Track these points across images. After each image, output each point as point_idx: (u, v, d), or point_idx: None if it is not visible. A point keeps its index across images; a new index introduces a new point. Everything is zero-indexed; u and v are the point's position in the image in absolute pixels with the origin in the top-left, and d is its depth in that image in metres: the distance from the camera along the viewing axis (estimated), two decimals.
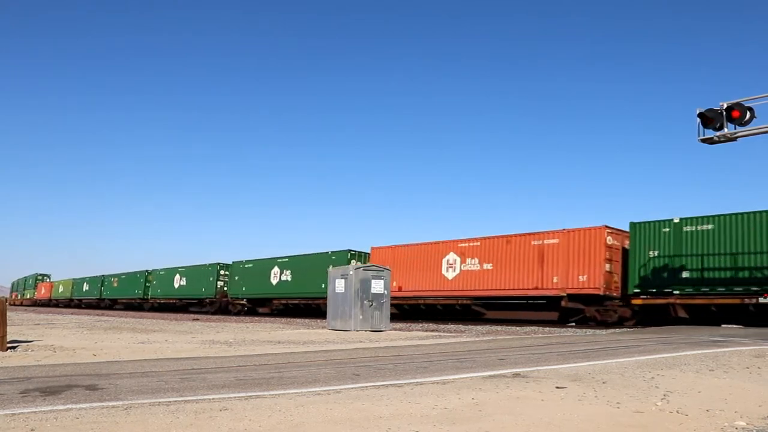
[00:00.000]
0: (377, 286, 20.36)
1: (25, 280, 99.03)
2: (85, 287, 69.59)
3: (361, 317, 19.74)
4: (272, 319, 33.23)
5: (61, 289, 77.62)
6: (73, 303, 72.15)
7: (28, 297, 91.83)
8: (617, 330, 19.83)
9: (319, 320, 28.83)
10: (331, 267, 24.86)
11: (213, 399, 5.63)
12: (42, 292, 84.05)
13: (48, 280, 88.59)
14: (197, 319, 31.50)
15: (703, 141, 15.66)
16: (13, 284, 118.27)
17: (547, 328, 21.80)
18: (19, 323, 23.21)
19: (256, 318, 34.91)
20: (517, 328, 22.41)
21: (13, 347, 11.71)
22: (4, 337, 11.33)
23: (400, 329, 21.24)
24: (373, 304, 20.08)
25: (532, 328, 22.12)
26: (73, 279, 74.11)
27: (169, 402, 5.44)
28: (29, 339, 14.19)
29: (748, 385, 6.77)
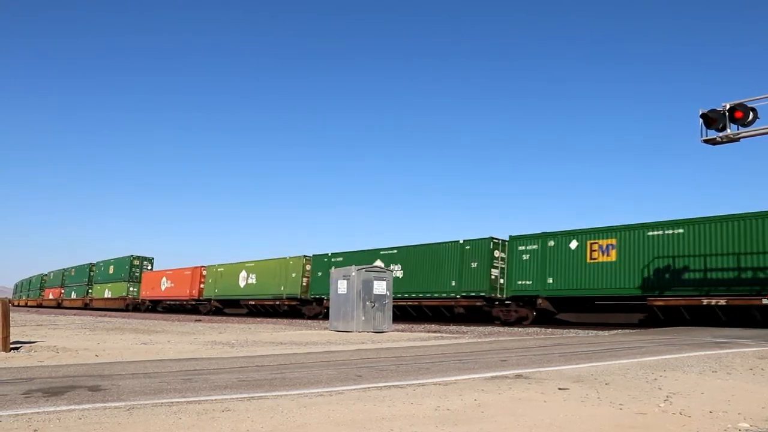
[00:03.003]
0: (379, 287, 20.37)
1: (91, 270, 65.85)
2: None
3: (363, 318, 19.76)
4: (274, 320, 33.21)
5: (251, 277, 42.75)
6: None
7: (108, 296, 60.28)
8: (620, 331, 19.80)
9: (320, 321, 28.84)
10: (333, 268, 24.79)
11: (215, 400, 5.63)
12: (166, 287, 51.02)
13: (149, 267, 58.56)
14: (199, 320, 31.53)
15: (706, 142, 15.64)
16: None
17: (550, 329, 21.77)
18: (22, 324, 23.24)
19: (258, 319, 34.89)
20: (519, 329, 22.38)
21: (16, 348, 11.73)
22: (7, 338, 11.35)
23: (402, 330, 21.23)
24: (375, 305, 20.09)
25: (534, 329, 22.10)
26: (316, 255, 38.25)
27: (172, 403, 5.44)
28: (32, 340, 14.20)
29: (751, 386, 6.75)
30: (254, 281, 42.17)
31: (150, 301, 54.75)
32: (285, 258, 40.12)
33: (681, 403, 5.62)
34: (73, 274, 72.90)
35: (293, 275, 38.80)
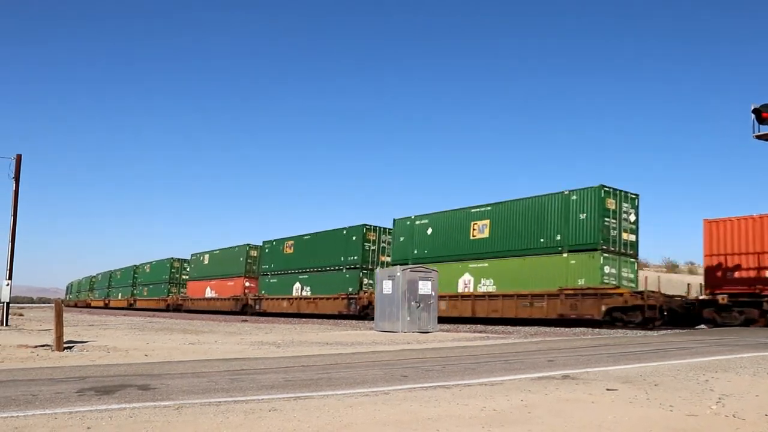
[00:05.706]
0: (425, 288, 20.34)
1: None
2: None
3: (408, 318, 19.74)
4: (320, 321, 33.39)
5: None
6: None
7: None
8: (669, 331, 19.39)
9: (365, 321, 28.91)
10: (378, 269, 24.73)
11: (262, 399, 5.69)
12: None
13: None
14: (246, 321, 31.92)
15: (759, 137, 15.21)
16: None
17: (597, 329, 21.43)
18: (74, 324, 23.90)
19: (304, 320, 35.10)
20: (566, 329, 22.09)
21: (70, 347, 12.04)
22: (61, 338, 11.68)
23: (447, 330, 21.16)
24: (421, 305, 20.05)
25: (582, 329, 21.78)
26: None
27: (219, 402, 5.52)
28: (84, 340, 14.57)
29: None
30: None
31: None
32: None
33: (734, 405, 5.47)
34: (263, 252, 42.91)
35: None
